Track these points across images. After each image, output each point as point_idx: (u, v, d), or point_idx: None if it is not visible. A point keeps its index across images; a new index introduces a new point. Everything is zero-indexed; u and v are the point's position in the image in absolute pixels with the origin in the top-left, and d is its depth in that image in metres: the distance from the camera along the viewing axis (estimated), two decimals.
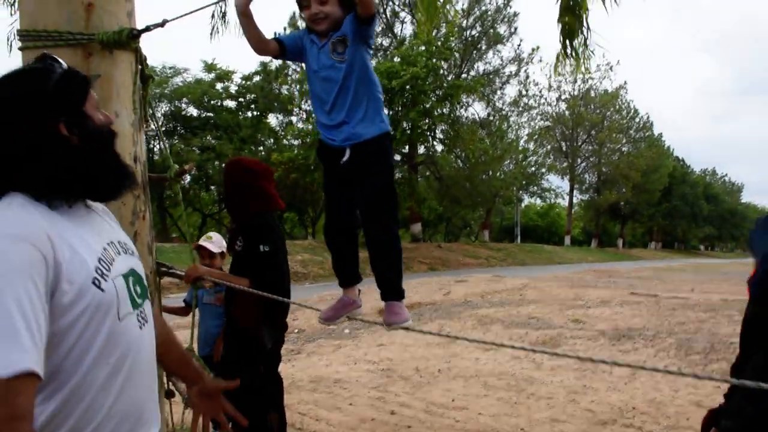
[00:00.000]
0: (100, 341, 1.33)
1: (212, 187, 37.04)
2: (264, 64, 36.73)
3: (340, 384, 6.70)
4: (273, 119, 39.26)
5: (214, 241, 4.48)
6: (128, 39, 2.59)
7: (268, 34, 2.55)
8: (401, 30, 37.83)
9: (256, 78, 37.31)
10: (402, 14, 37.07)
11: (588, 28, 4.52)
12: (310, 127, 31.32)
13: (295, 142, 34.60)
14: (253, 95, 37.47)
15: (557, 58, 4.81)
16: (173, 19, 2.45)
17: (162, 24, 2.48)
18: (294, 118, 37.61)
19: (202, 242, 4.48)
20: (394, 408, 5.77)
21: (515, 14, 36.62)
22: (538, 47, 45.35)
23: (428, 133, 32.40)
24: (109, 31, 2.61)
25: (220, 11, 5.59)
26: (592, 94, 50.54)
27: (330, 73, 2.40)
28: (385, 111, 2.54)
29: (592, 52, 4.62)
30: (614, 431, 5.14)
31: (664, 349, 8.35)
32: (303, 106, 35.45)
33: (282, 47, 2.51)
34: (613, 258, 45.17)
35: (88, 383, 1.31)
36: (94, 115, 1.45)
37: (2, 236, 1.23)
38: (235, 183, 3.73)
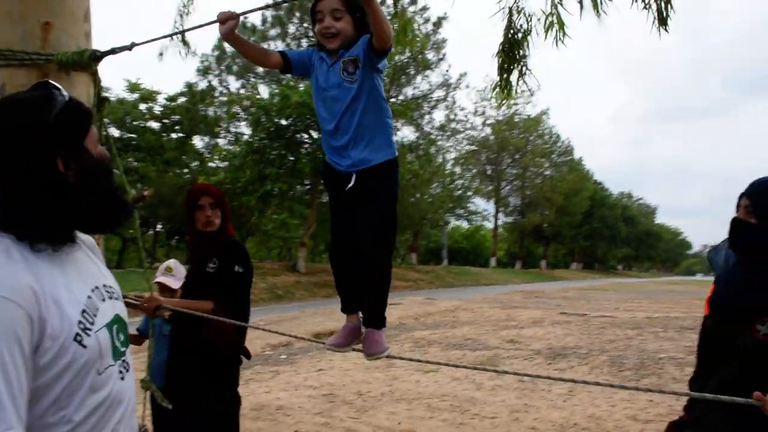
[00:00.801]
0: (79, 397, 1.27)
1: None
2: (190, 85, 36.04)
3: (283, 411, 6.58)
4: (198, 141, 38.48)
5: (175, 275, 4.23)
6: (89, 60, 2.52)
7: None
8: None
9: (182, 99, 36.54)
10: None
11: (526, 66, 4.70)
12: (237, 149, 30.92)
13: (222, 165, 33.96)
14: (178, 116, 36.62)
15: (494, 88, 4.98)
16: (141, 43, 2.39)
17: (130, 47, 2.41)
18: (221, 141, 37.04)
19: (162, 278, 4.20)
20: None
21: (443, 40, 37.51)
22: (465, 73, 46.66)
23: None
24: (68, 52, 2.52)
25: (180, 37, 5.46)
26: (516, 119, 52.19)
27: (338, 93, 2.34)
28: (394, 137, 2.49)
29: (526, 85, 4.81)
30: None
31: (598, 366, 8.64)
32: (230, 128, 35.06)
33: (287, 61, 2.47)
34: (537, 279, 46.43)
35: None
36: (93, 150, 1.37)
37: None
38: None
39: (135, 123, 35.23)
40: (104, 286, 1.43)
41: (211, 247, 3.63)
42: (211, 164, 36.11)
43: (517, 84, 5.14)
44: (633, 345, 10.16)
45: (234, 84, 37.73)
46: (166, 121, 36.70)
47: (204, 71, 35.91)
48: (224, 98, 35.91)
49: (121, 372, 1.39)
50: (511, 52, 4.94)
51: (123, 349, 1.42)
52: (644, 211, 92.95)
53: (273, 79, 37.29)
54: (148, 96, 35.64)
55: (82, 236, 1.47)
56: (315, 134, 29.35)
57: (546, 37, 4.44)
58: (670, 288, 35.64)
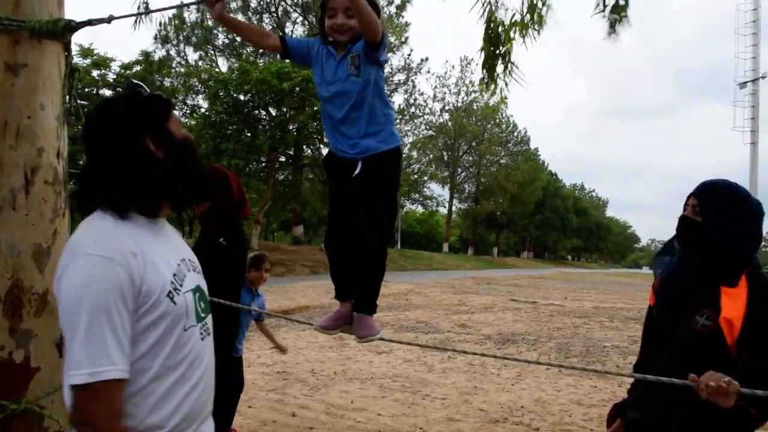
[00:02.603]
0: (168, 348, 1.47)
1: None
2: (146, 54, 35.16)
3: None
4: None
5: None
6: (64, 31, 2.49)
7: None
8: (293, 30, 37.61)
9: (137, 68, 35.57)
10: (294, 15, 36.84)
11: (510, 61, 4.77)
12: (193, 122, 30.37)
13: None
14: None
15: (480, 85, 5.03)
16: (120, 17, 2.38)
17: (108, 20, 2.40)
18: (176, 113, 36.30)
19: None
20: (294, 410, 5.79)
21: (407, 24, 37.45)
22: (426, 58, 46.67)
23: (315, 135, 32.37)
24: (42, 20, 2.49)
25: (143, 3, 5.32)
26: (475, 106, 52.54)
27: (345, 86, 2.41)
28: (392, 126, 2.56)
29: (512, 78, 4.86)
30: (506, 428, 5.45)
31: (546, 352, 8.93)
32: (187, 101, 34.38)
33: (285, 47, 2.52)
34: (489, 266, 47.19)
35: (155, 386, 1.45)
36: (176, 132, 1.59)
37: (97, 258, 1.39)
38: (239, 188, 3.81)
39: (87, 90, 34.20)
40: (189, 260, 1.65)
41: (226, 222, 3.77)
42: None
43: (504, 78, 5.16)
44: (580, 333, 10.52)
45: (192, 55, 37.04)
46: (119, 89, 35.68)
47: (162, 40, 35.07)
48: (182, 69, 35.22)
49: (201, 334, 1.58)
50: (494, 47, 4.98)
51: (203, 315, 1.61)
52: (595, 204, 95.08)
53: (233, 53, 36.71)
54: (102, 62, 34.57)
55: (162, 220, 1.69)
56: (273, 111, 29.08)
57: (524, 38, 4.53)
58: (617, 280, 36.75)
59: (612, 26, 4.62)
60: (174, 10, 33.85)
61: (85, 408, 1.36)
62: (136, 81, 1.68)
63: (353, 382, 6.98)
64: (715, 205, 2.15)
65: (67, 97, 2.73)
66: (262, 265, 4.79)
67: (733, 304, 2.04)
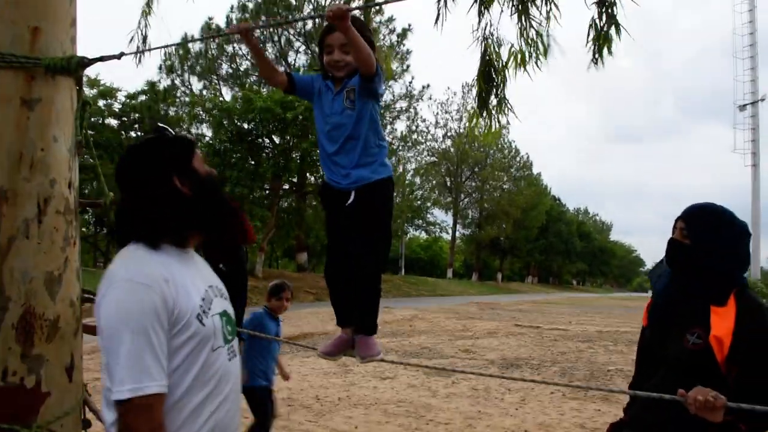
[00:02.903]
0: (197, 366, 1.61)
1: (89, 210, 35.15)
2: (152, 84, 35.59)
3: (242, 413, 6.65)
4: None
5: None
6: (77, 67, 2.61)
7: None
8: (295, 60, 38.09)
9: (142, 97, 36.01)
10: (297, 44, 37.32)
11: (504, 97, 4.87)
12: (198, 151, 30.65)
13: None
14: (137, 114, 36.07)
15: (471, 117, 5.14)
16: (132, 53, 2.50)
17: (119, 56, 2.51)
18: None
19: None
20: None
21: (408, 52, 37.90)
22: (428, 85, 47.12)
23: (318, 163, 32.53)
24: (56, 57, 2.61)
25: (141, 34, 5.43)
26: (477, 132, 52.66)
27: (341, 119, 2.53)
28: (388, 158, 2.65)
29: (507, 110, 4.96)
30: None
31: (549, 376, 8.92)
32: (192, 130, 34.69)
33: (292, 82, 2.64)
34: (493, 291, 47.06)
35: (186, 401, 1.59)
36: (200, 169, 1.75)
37: (134, 284, 1.55)
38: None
39: (93, 119, 34.58)
40: (216, 287, 1.79)
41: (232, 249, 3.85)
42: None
43: (498, 112, 5.23)
44: (584, 357, 10.51)
45: (197, 85, 37.47)
46: (125, 118, 36.12)
47: (168, 70, 35.51)
48: (186, 98, 35.61)
49: (228, 355, 1.71)
50: (489, 81, 5.07)
51: (230, 337, 1.74)
52: (599, 228, 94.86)
53: (236, 82, 37.15)
54: (108, 92, 35.04)
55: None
56: (277, 140, 29.33)
57: (524, 69, 4.64)
58: (623, 304, 36.61)
59: (595, 56, 4.72)
60: (179, 40, 34.35)
61: (128, 422, 1.50)
62: (161, 124, 1.86)
63: (357, 407, 7.00)
64: (703, 227, 2.23)
65: (79, 129, 2.84)
66: (282, 293, 4.91)
67: (722, 322, 2.11)
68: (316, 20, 33.07)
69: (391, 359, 10.22)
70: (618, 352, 11.44)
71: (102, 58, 2.57)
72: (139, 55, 4.68)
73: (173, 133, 1.83)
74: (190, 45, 35.41)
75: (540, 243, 64.74)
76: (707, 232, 2.22)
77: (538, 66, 4.85)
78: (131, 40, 5.46)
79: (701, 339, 2.12)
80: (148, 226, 1.67)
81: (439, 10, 4.31)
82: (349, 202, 2.54)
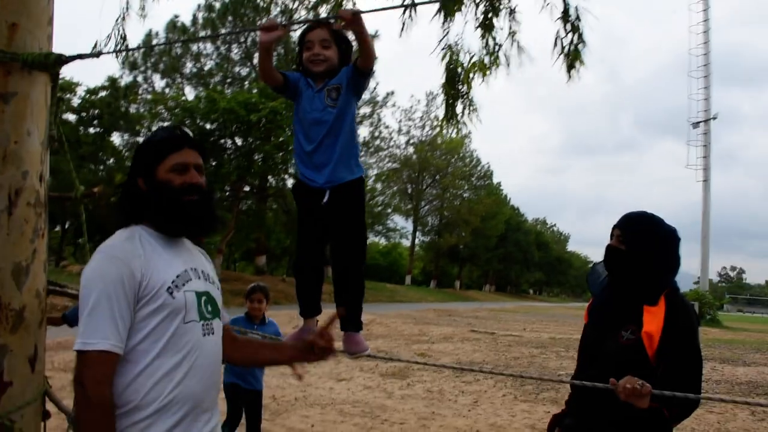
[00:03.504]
0: (167, 335, 1.77)
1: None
2: (113, 79, 35.01)
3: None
4: (117, 138, 37.33)
5: None
6: (54, 63, 2.69)
7: None
8: None
9: (103, 93, 35.36)
10: None
11: (470, 100, 5.06)
12: None
13: None
14: (97, 110, 35.38)
15: (441, 122, 5.33)
16: (109, 52, 2.59)
17: (97, 55, 2.60)
18: (140, 139, 36.01)
19: None
20: None
21: None
22: (392, 92, 47.39)
23: (281, 166, 32.49)
24: (35, 53, 2.69)
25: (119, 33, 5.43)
26: (439, 140, 53.31)
27: (321, 116, 2.58)
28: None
29: (464, 123, 5.16)
30: None
31: (502, 380, 9.15)
32: (153, 128, 34.25)
33: (286, 81, 2.66)
34: (451, 298, 47.48)
35: (156, 366, 1.75)
36: (161, 176, 1.94)
37: (108, 257, 1.80)
38: None
39: None
40: (202, 271, 1.97)
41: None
42: (128, 163, 34.90)
43: (463, 116, 5.43)
44: (536, 362, 10.80)
45: (159, 82, 37.02)
46: (83, 114, 35.42)
47: (130, 66, 34.98)
48: (148, 96, 35.13)
49: (203, 330, 1.87)
50: (454, 88, 5.26)
51: (209, 316, 1.91)
52: (557, 238, 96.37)
53: (200, 82, 36.83)
54: (66, 86, 34.31)
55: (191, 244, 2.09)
56: (240, 141, 29.20)
57: (483, 79, 4.85)
58: (577, 313, 37.29)
59: (569, 70, 4.96)
60: (143, 36, 33.88)
61: (78, 370, 1.71)
62: (167, 126, 2.02)
63: (314, 407, 7.11)
64: (637, 234, 2.45)
65: (53, 124, 2.91)
66: (252, 296, 5.04)
67: (653, 319, 2.32)
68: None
69: (347, 365, 10.37)
70: (569, 358, 11.76)
71: (81, 56, 2.65)
72: (119, 54, 4.75)
73: (172, 133, 2.02)
74: (154, 41, 34.91)
75: (499, 252, 65.57)
76: (641, 238, 2.44)
77: (495, 75, 5.09)
78: (109, 37, 5.50)
79: (634, 335, 2.33)
80: (119, 214, 1.98)
81: (404, 22, 4.48)
82: (324, 201, 2.60)
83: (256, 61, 37.55)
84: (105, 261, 1.79)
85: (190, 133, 2.07)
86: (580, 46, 4.86)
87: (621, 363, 2.29)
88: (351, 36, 2.69)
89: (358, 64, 2.58)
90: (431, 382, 8.89)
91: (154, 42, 30.31)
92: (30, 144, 2.78)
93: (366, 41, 2.50)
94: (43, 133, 2.86)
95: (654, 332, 2.30)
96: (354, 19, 2.40)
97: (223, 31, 33.47)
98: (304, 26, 2.79)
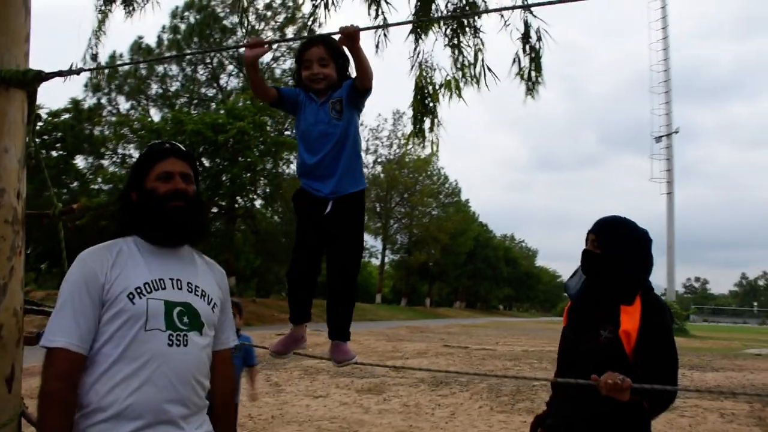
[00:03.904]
0: (126, 341, 1.80)
1: None
2: (75, 102, 34.54)
3: None
4: (81, 161, 36.75)
5: None
6: (33, 80, 2.69)
7: None
8: (227, 82, 37.91)
9: (65, 115, 34.84)
10: (230, 67, 37.14)
11: (437, 118, 5.16)
12: (124, 171, 29.91)
13: (105, 187, 32.45)
14: (59, 133, 34.79)
15: (408, 137, 5.42)
16: (91, 69, 2.61)
17: (78, 72, 2.61)
18: (105, 162, 35.56)
19: None
20: None
21: None
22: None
23: (249, 186, 32.35)
24: (13, 69, 2.69)
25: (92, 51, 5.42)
26: (407, 159, 53.62)
27: (327, 128, 2.61)
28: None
29: (433, 142, 5.27)
30: None
31: (478, 392, 9.22)
32: (118, 150, 33.87)
33: (280, 96, 2.69)
34: (422, 316, 47.53)
35: (114, 371, 1.78)
36: (149, 185, 2.00)
37: (78, 261, 1.89)
38: None
39: None
40: (189, 283, 1.98)
41: None
42: (93, 186, 34.38)
43: (431, 133, 5.51)
44: (510, 374, 10.89)
45: (124, 104, 36.68)
46: (46, 137, 34.81)
47: (94, 88, 34.58)
48: (113, 118, 34.75)
49: (170, 340, 1.85)
50: (423, 104, 5.34)
51: (183, 328, 1.89)
52: (525, 254, 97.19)
53: (166, 103, 36.60)
54: None
55: (207, 259, 2.19)
56: (207, 163, 29.03)
57: (450, 99, 4.95)
58: (548, 326, 37.68)
59: (529, 90, 5.10)
60: (106, 58, 33.60)
61: (43, 366, 1.79)
62: (156, 141, 2.19)
63: (291, 425, 7.06)
64: (611, 238, 2.55)
65: (30, 142, 2.91)
66: None
67: (630, 319, 2.41)
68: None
69: (324, 381, 10.34)
70: (543, 369, 11.89)
71: (61, 73, 2.66)
72: (97, 71, 4.72)
73: (156, 146, 2.11)
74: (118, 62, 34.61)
75: (468, 268, 65.92)
76: (615, 242, 2.54)
77: (464, 92, 5.20)
78: (84, 57, 5.47)
79: (612, 334, 2.41)
80: (117, 225, 2.08)
81: (378, 39, 4.56)
82: (327, 210, 2.62)
83: (222, 82, 37.60)
84: (75, 265, 1.89)
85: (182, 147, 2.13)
86: (538, 67, 5.00)
87: (600, 361, 2.36)
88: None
89: (356, 85, 2.63)
90: (407, 396, 8.90)
91: (119, 62, 30.05)
92: (7, 161, 2.77)
93: (362, 60, 2.54)
94: (20, 151, 2.85)
95: (631, 330, 2.38)
96: (349, 34, 2.45)
97: (188, 51, 33.34)
98: (301, 43, 2.81)
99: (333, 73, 2.67)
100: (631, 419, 2.35)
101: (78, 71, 2.63)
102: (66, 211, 3.11)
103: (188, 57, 36.38)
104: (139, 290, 1.84)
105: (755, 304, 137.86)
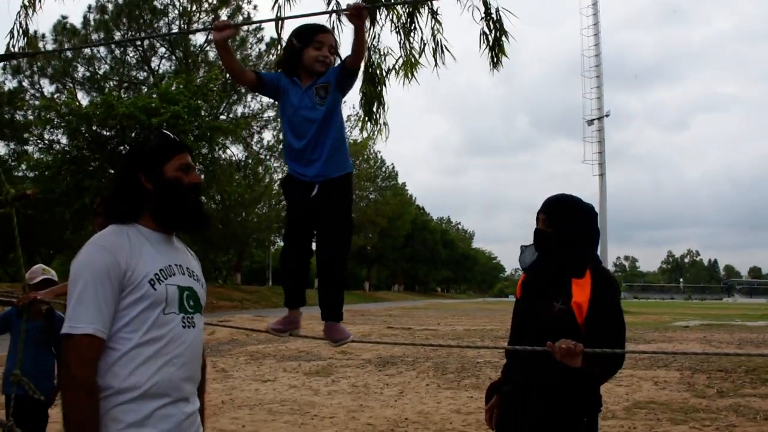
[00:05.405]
0: (148, 324, 1.87)
1: None
2: None
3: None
4: (1, 147, 35.08)
5: (53, 275, 3.96)
6: None
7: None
8: (159, 65, 36.85)
9: None
10: (162, 50, 36.11)
11: (383, 102, 5.27)
12: (50, 158, 28.74)
13: (31, 175, 31.09)
14: None
15: (362, 121, 5.51)
16: (51, 51, 2.58)
17: (33, 55, 2.58)
18: (30, 148, 34.04)
19: (47, 276, 3.87)
20: None
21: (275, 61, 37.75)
22: None
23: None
24: None
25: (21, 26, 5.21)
26: (365, 134, 53.27)
27: (310, 113, 2.65)
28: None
29: (384, 124, 5.39)
30: None
31: (424, 371, 9.48)
32: (45, 135, 32.47)
33: (260, 80, 2.71)
34: (361, 300, 47.85)
35: (136, 353, 1.84)
36: (169, 174, 2.02)
37: (96, 247, 1.89)
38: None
39: None
40: (187, 268, 2.07)
41: None
42: (16, 173, 32.87)
43: (377, 116, 5.62)
44: (454, 352, 11.20)
45: (48, 87, 35.12)
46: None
47: (13, 71, 32.88)
48: (37, 102, 33.24)
49: (184, 322, 1.95)
50: (373, 87, 5.44)
51: (191, 310, 1.99)
52: (462, 236, 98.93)
53: (94, 86, 35.29)
54: None
55: (184, 244, 2.19)
56: None
57: (399, 79, 5.08)
58: (486, 307, 38.73)
59: (494, 61, 5.27)
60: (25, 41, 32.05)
61: (64, 353, 1.81)
62: (164, 131, 2.18)
63: (242, 408, 7.11)
64: (560, 216, 2.72)
65: None
66: None
67: (581, 291, 2.59)
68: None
69: (271, 365, 10.38)
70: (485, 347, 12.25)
71: (14, 55, 2.62)
72: (31, 56, 4.60)
73: (171, 137, 2.11)
74: (41, 45, 33.10)
75: (406, 251, 66.67)
76: (564, 219, 2.72)
77: (411, 76, 5.34)
78: (10, 36, 5.28)
79: (565, 305, 2.59)
80: (112, 209, 2.05)
81: (333, 24, 4.60)
82: (313, 194, 2.68)
83: (154, 65, 36.55)
84: (94, 252, 1.89)
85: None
86: (503, 41, 5.20)
87: (553, 332, 2.54)
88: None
89: (348, 63, 2.68)
90: (355, 378, 9.07)
91: (41, 44, 28.74)
92: None
93: (363, 38, 2.61)
94: None
95: (582, 302, 2.56)
96: (360, 13, 2.52)
97: (118, 35, 32.22)
98: (313, 24, 2.81)
99: (333, 64, 2.73)
100: (583, 386, 2.55)
101: (33, 54, 2.61)
102: (20, 197, 3.07)
103: (117, 37, 35.04)
104: (157, 276, 1.92)
105: (681, 280, 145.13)
